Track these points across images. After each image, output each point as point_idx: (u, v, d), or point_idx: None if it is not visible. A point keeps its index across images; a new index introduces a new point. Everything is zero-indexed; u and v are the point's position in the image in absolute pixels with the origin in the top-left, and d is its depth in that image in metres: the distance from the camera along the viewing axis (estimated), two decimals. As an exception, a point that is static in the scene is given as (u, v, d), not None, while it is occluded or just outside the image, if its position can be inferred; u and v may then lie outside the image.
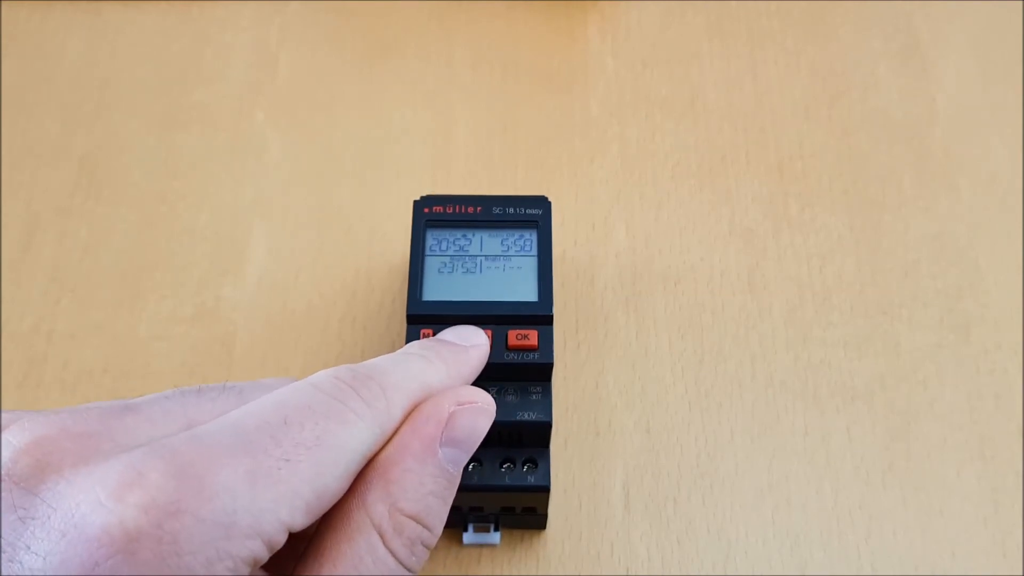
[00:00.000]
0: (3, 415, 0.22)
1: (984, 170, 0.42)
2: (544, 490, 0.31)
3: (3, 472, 0.20)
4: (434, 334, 0.30)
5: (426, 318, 0.31)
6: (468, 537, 0.34)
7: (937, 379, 0.37)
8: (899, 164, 0.42)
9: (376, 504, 0.23)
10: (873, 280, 0.40)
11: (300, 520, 0.21)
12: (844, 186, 0.42)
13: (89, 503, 0.19)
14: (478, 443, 0.25)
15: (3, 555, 0.19)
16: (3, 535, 0.19)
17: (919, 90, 0.44)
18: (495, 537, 0.34)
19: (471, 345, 0.28)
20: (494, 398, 0.30)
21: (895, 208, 0.41)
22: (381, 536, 0.23)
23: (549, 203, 0.34)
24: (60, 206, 0.41)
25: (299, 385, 0.23)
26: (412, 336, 0.30)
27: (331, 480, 0.22)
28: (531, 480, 0.31)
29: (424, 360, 0.26)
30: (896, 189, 0.42)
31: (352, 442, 0.23)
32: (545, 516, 0.33)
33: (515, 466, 0.31)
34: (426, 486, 0.24)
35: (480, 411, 0.25)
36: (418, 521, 0.23)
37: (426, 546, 0.24)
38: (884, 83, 0.45)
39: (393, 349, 0.38)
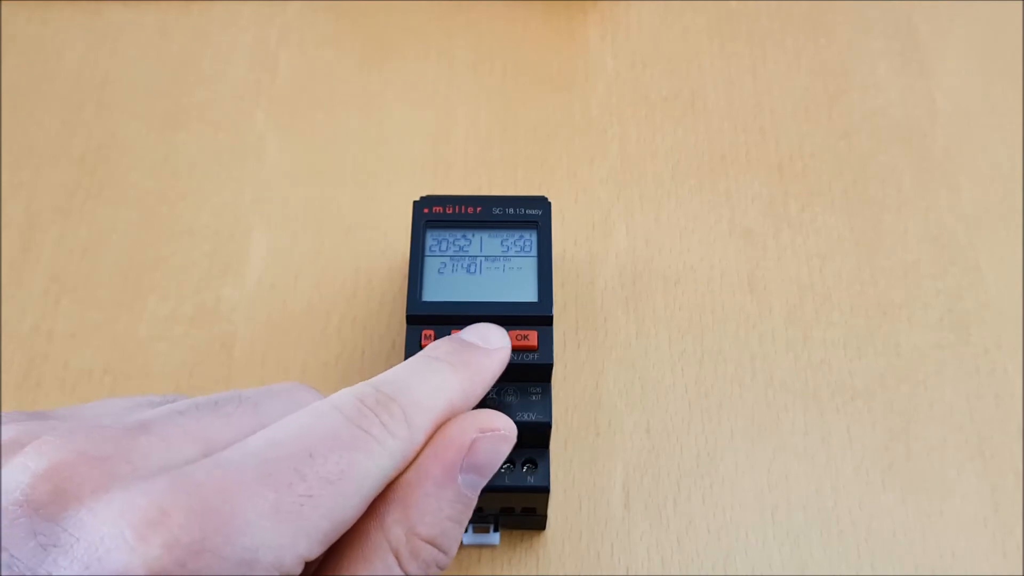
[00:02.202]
0: (14, 428, 0.22)
1: (984, 170, 0.42)
2: (544, 491, 0.31)
3: (23, 498, 0.20)
4: (434, 334, 0.30)
5: (426, 318, 0.31)
6: (468, 537, 0.34)
7: (937, 379, 0.37)
8: (899, 164, 0.42)
9: (394, 527, 0.23)
10: (873, 280, 0.40)
11: (317, 551, 0.21)
12: (844, 186, 0.42)
13: (113, 538, 0.19)
14: (497, 468, 0.25)
15: None
16: (24, 560, 0.19)
17: (919, 90, 0.44)
18: (495, 537, 0.34)
19: (495, 348, 0.28)
20: (494, 398, 0.30)
21: (895, 208, 0.41)
22: (398, 559, 0.23)
23: (549, 203, 0.34)
24: (60, 206, 0.41)
25: (323, 409, 0.23)
26: (412, 336, 0.30)
27: (351, 511, 0.22)
28: (531, 481, 0.31)
29: (450, 368, 0.26)
30: (896, 189, 0.42)
31: (375, 471, 0.23)
32: (545, 517, 0.33)
33: (515, 466, 0.31)
34: (444, 511, 0.24)
35: (502, 439, 0.25)
36: (434, 545, 0.23)
37: (440, 567, 0.24)
38: (884, 83, 0.45)
39: (393, 349, 0.38)
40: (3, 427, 0.22)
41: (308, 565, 0.22)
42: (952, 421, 0.37)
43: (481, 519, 0.33)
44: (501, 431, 0.25)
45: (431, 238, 0.33)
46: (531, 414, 0.30)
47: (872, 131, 0.43)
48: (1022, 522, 0.35)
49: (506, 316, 0.31)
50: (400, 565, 0.23)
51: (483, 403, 0.27)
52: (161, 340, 0.38)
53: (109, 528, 0.19)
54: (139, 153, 0.43)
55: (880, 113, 0.44)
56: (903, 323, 0.39)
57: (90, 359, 0.38)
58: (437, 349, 0.27)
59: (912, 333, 0.38)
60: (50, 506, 0.20)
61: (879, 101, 0.44)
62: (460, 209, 0.33)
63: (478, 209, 0.33)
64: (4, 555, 0.19)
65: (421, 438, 0.24)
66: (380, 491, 0.23)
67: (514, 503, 0.32)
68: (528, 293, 0.32)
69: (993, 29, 0.46)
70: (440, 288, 0.32)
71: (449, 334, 0.30)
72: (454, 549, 0.24)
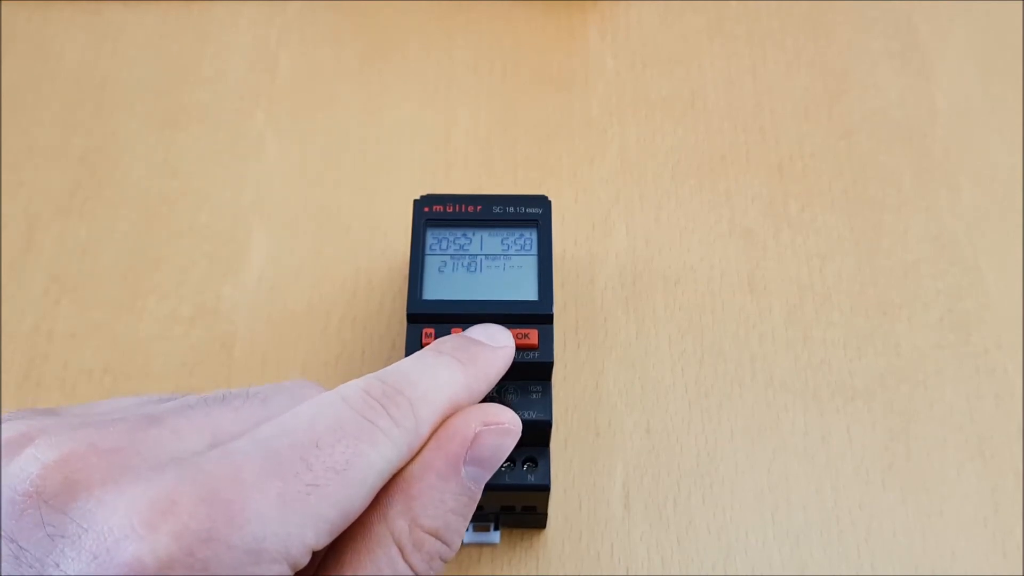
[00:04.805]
0: (23, 423, 0.22)
1: (984, 170, 0.42)
2: (544, 489, 0.31)
3: (33, 489, 0.20)
4: (435, 333, 0.30)
5: (426, 317, 0.31)
6: (468, 536, 0.34)
7: (937, 379, 0.37)
8: (899, 164, 0.42)
9: (397, 519, 0.23)
10: (873, 280, 0.40)
11: (324, 541, 0.22)
12: (844, 186, 0.42)
13: (121, 528, 0.19)
14: (501, 462, 0.25)
15: (31, 571, 0.19)
16: (31, 551, 0.19)
17: (919, 90, 0.44)
18: (495, 536, 0.34)
19: (499, 347, 0.28)
20: (495, 397, 0.30)
21: (895, 208, 0.41)
22: (401, 551, 0.23)
23: (549, 202, 0.34)
24: (60, 206, 0.41)
25: (330, 400, 0.23)
26: (413, 334, 0.30)
27: (357, 501, 0.22)
28: (531, 479, 0.31)
29: (456, 363, 0.26)
30: (896, 189, 0.42)
31: (380, 463, 0.23)
32: (545, 515, 0.33)
33: (515, 465, 0.31)
34: (447, 503, 0.24)
35: (506, 432, 0.25)
36: (437, 537, 0.24)
37: (444, 560, 0.24)
38: (884, 83, 0.45)
39: (393, 349, 0.38)
40: (12, 423, 0.22)
41: (314, 557, 0.22)
42: (952, 421, 0.37)
43: (481, 518, 0.33)
44: (505, 424, 0.25)
45: (431, 237, 0.33)
46: (531, 412, 0.30)
47: (872, 131, 0.43)
48: (1022, 522, 0.35)
49: (506, 314, 0.31)
50: (403, 557, 0.23)
51: (484, 401, 0.27)
52: (161, 340, 0.38)
53: (118, 519, 0.19)
54: (139, 153, 0.43)
55: (880, 113, 0.44)
56: (903, 323, 0.39)
57: (90, 359, 0.38)
58: (443, 344, 0.27)
59: (912, 333, 0.38)
60: (60, 496, 0.20)
61: (879, 101, 0.44)
62: (460, 208, 0.33)
63: (478, 208, 0.33)
64: (12, 547, 0.20)
65: (426, 431, 0.24)
66: (385, 482, 0.23)
67: (515, 501, 0.32)
68: (528, 291, 0.32)
69: (993, 29, 0.46)
70: (441, 286, 0.32)
71: (450, 332, 0.30)
72: (457, 542, 0.24)
